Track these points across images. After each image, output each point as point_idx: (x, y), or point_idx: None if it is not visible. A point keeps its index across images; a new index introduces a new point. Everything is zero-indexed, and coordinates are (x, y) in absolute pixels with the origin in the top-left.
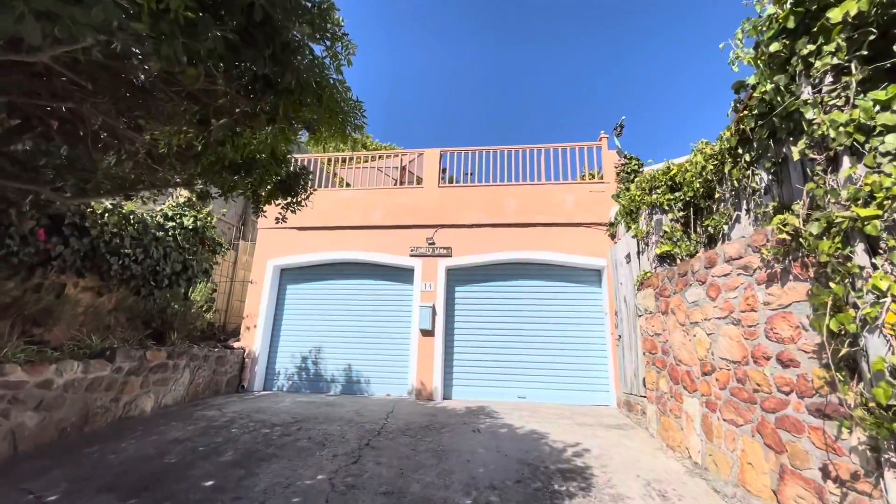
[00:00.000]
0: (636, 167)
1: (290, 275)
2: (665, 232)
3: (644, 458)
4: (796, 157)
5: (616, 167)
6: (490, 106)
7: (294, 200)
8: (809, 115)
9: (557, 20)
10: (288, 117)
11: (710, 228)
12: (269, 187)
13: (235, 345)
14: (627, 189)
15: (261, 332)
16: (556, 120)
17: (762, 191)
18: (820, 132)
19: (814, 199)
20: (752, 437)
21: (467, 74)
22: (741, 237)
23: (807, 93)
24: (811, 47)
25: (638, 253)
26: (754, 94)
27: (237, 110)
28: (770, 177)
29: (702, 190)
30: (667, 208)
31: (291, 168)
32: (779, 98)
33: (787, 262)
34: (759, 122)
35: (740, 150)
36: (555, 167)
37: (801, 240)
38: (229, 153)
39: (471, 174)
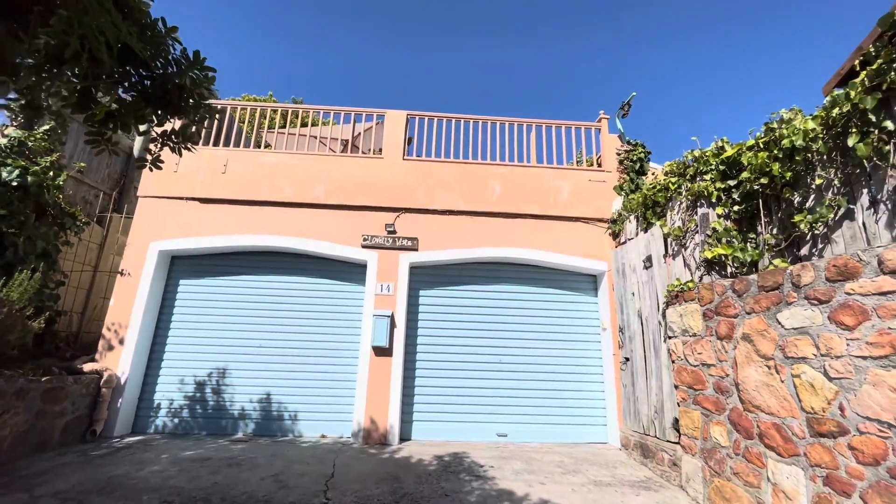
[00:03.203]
0: (643, 155)
1: (186, 265)
2: (715, 230)
3: None
4: None
5: (618, 153)
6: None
7: (181, 127)
8: None
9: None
10: None
11: (801, 226)
12: (123, 91)
13: (87, 367)
14: (633, 181)
15: (133, 347)
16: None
17: None
18: None
19: None
20: None
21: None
22: None
23: None
24: None
25: (666, 255)
26: None
27: None
28: None
29: (788, 175)
30: (714, 200)
31: (161, 44)
32: None
33: None
34: None
35: (872, 117)
36: (547, 148)
37: None
38: None
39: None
